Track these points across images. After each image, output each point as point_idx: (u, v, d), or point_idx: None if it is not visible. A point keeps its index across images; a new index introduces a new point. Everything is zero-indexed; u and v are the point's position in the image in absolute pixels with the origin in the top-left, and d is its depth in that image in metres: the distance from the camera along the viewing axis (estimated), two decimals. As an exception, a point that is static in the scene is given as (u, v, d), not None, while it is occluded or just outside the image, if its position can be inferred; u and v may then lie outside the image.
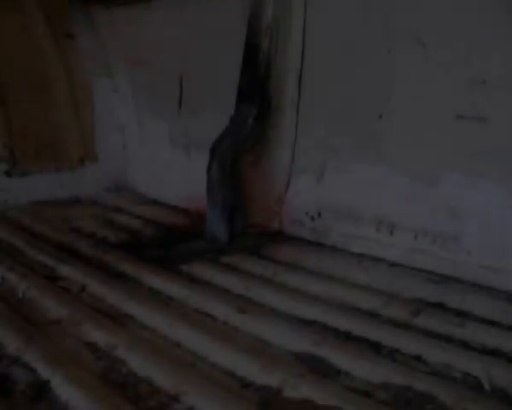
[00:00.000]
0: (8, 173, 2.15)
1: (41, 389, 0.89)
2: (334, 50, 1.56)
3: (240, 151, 1.60)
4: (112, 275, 1.40)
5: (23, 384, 0.90)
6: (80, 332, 1.09)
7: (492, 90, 1.24)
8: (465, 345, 1.00)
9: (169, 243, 1.66)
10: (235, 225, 1.62)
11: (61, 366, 0.93)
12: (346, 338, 1.06)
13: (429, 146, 1.37)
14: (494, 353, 0.97)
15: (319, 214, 1.59)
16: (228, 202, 1.59)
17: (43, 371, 0.93)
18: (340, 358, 0.96)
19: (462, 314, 1.11)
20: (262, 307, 1.22)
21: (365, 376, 0.91)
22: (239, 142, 1.52)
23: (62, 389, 0.88)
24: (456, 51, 1.30)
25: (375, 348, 1.01)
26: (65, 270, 1.41)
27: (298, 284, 1.31)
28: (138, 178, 2.35)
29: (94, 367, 0.96)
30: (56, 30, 2.19)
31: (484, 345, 0.99)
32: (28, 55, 2.15)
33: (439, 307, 1.15)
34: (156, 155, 2.24)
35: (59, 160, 2.27)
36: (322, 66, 1.60)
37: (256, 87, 1.64)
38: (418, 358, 0.96)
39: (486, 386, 0.87)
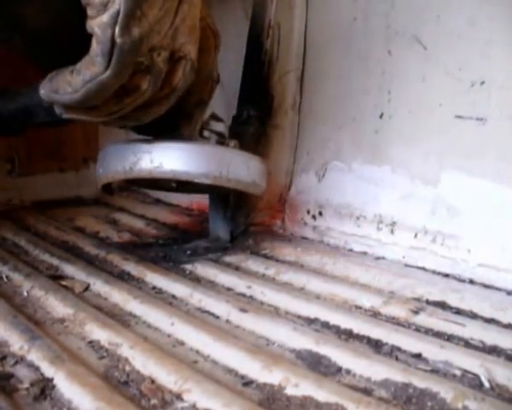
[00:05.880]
0: (12, 173, 2.16)
1: (45, 388, 0.89)
2: (334, 51, 1.57)
3: (242, 151, 1.60)
4: (115, 274, 1.41)
5: (27, 383, 0.90)
6: (84, 331, 1.09)
7: (492, 90, 1.25)
8: (465, 343, 1.01)
9: (172, 243, 1.66)
10: (237, 224, 1.63)
11: (65, 364, 0.93)
12: (347, 336, 1.06)
13: (429, 145, 1.37)
14: (493, 350, 0.97)
15: (320, 213, 1.60)
16: (230, 201, 1.60)
17: (47, 369, 0.93)
18: (340, 356, 0.96)
19: (461, 312, 1.12)
20: (264, 305, 1.22)
21: (366, 373, 0.91)
22: (241, 142, 1.52)
23: (66, 387, 0.88)
24: (455, 52, 1.31)
25: (376, 346, 1.01)
26: (69, 269, 1.42)
27: (299, 283, 1.32)
28: (141, 177, 2.35)
29: (97, 365, 0.96)
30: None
31: (483, 343, 1.00)
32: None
33: (439, 305, 1.15)
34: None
35: (63, 160, 2.28)
36: (323, 66, 1.61)
37: (258, 88, 1.64)
38: (418, 356, 0.96)
39: (486, 383, 0.87)
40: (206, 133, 1.42)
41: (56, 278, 1.37)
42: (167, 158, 1.24)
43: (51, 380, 0.90)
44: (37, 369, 0.94)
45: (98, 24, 0.90)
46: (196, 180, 1.27)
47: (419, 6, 1.37)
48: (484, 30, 1.25)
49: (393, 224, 1.43)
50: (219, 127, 1.46)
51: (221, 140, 1.46)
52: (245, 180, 1.35)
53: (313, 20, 1.62)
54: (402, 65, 1.42)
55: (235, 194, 1.55)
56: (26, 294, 1.27)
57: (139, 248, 1.60)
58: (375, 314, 1.14)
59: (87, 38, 0.94)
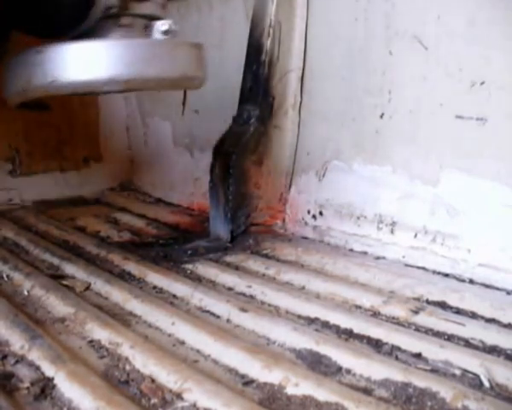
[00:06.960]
0: (13, 173, 2.16)
1: (45, 387, 0.89)
2: (335, 51, 1.57)
3: (242, 151, 1.60)
4: (116, 274, 1.41)
5: (27, 382, 0.90)
6: (84, 330, 1.09)
7: (492, 90, 1.25)
8: (465, 342, 1.01)
9: (172, 242, 1.67)
10: (238, 224, 1.63)
11: (65, 363, 0.93)
12: (347, 336, 1.06)
13: (429, 145, 1.38)
14: (493, 350, 0.98)
15: (321, 213, 1.60)
16: (231, 201, 1.60)
17: (48, 368, 0.93)
18: (341, 355, 0.97)
19: (461, 312, 1.12)
20: (264, 305, 1.22)
21: (366, 373, 0.92)
22: (242, 142, 1.53)
23: (66, 386, 0.88)
24: (455, 52, 1.31)
25: (376, 345, 1.02)
26: (69, 268, 1.42)
27: (300, 283, 1.32)
28: (142, 177, 2.36)
29: (97, 365, 0.97)
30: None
31: (483, 342, 1.00)
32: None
33: (439, 304, 1.16)
34: (160, 155, 2.25)
35: (64, 159, 2.28)
36: (323, 66, 1.61)
37: (259, 88, 1.64)
38: (418, 355, 0.97)
39: (486, 382, 0.87)
40: (125, 20, 1.10)
41: (57, 277, 1.37)
42: (62, 67, 0.99)
43: (52, 379, 0.91)
44: (37, 368, 0.94)
45: None
46: (106, 88, 1.03)
47: (419, 6, 1.37)
48: (484, 30, 1.25)
49: (393, 224, 1.43)
50: (146, 8, 1.13)
51: (149, 24, 1.12)
52: (171, 76, 1.07)
53: (314, 20, 1.62)
54: (402, 65, 1.42)
55: (235, 194, 1.56)
56: (26, 293, 1.28)
57: (140, 248, 1.60)
58: (375, 314, 1.15)
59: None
